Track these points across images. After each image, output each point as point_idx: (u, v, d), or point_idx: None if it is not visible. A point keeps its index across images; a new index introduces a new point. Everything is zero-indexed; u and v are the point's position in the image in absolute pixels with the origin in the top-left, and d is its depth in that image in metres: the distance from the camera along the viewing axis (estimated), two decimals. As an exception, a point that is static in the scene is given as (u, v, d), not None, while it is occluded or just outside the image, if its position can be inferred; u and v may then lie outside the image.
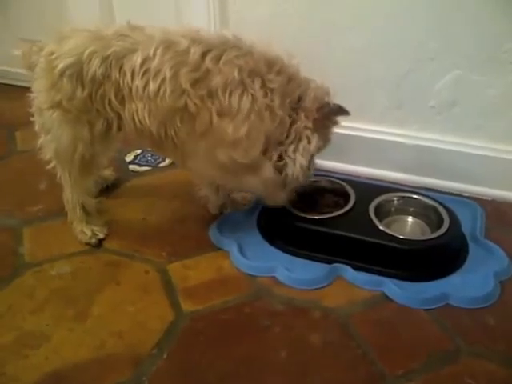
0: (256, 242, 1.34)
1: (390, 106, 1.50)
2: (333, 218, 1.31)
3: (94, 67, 1.16)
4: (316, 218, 1.32)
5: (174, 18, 1.77)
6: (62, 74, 1.18)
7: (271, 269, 1.25)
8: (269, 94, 1.17)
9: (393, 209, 1.36)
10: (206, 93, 1.15)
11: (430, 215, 1.34)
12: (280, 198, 1.30)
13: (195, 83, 1.15)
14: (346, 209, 1.33)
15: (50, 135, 1.27)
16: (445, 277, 1.22)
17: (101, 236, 1.37)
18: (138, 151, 1.76)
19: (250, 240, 1.34)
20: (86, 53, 1.16)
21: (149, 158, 1.74)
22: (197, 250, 1.33)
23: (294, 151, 1.24)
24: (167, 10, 1.79)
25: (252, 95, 1.15)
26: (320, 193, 1.44)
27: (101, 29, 1.22)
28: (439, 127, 1.47)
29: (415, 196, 1.37)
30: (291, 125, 1.23)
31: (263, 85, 1.17)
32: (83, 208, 1.37)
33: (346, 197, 1.38)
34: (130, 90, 1.17)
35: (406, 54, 1.42)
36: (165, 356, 1.06)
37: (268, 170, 1.23)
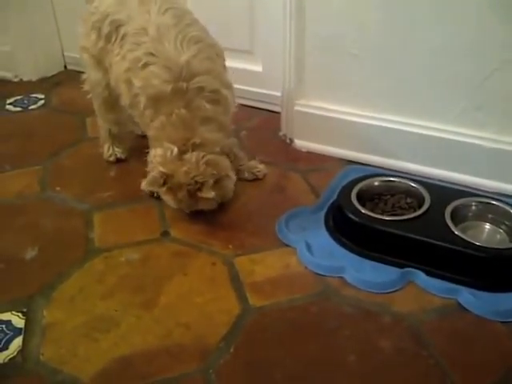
0: (324, 240, 1.32)
1: (470, 107, 1.43)
2: (406, 220, 1.27)
3: (105, 27, 1.39)
4: (387, 219, 1.28)
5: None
6: (92, 27, 1.43)
7: (340, 269, 1.22)
8: None
9: (470, 214, 1.31)
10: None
11: (508, 223, 1.28)
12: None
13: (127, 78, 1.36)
14: (421, 211, 1.28)
15: (86, 73, 1.55)
16: (522, 289, 1.16)
17: (119, 156, 1.65)
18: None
19: (317, 238, 1.32)
20: (106, 14, 1.39)
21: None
22: (264, 245, 1.31)
23: None
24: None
25: None
26: (392, 193, 1.40)
27: None
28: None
29: (494, 202, 1.31)
30: None
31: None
32: (109, 132, 1.62)
33: (420, 199, 1.33)
34: (113, 54, 1.39)
35: (490, 55, 1.36)
36: (231, 350, 1.05)
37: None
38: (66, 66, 2.41)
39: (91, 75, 1.52)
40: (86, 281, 1.23)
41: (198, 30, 1.37)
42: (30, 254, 1.31)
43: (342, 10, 1.50)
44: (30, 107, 2.07)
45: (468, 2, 1.33)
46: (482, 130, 1.44)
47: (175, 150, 1.26)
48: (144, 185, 1.38)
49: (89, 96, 1.60)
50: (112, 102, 1.52)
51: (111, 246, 1.33)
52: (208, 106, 1.30)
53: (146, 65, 1.30)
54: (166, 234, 1.37)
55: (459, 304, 1.13)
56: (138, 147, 1.56)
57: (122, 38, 1.36)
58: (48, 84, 2.27)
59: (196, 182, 1.27)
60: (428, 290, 1.17)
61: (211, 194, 1.28)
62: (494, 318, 1.10)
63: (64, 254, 1.31)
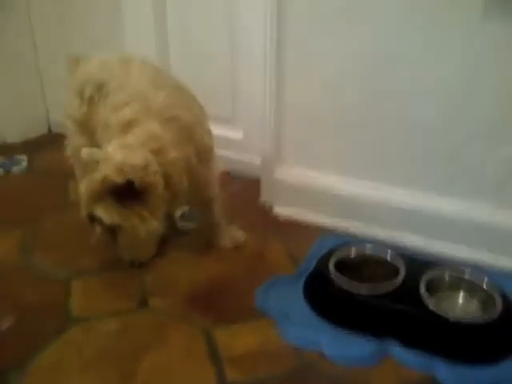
0: (302, 311, 1.33)
1: (443, 178, 1.49)
2: (381, 292, 1.29)
3: (87, 90, 1.43)
4: (365, 289, 1.30)
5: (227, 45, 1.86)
6: (75, 92, 1.48)
7: (318, 342, 1.23)
8: None
9: (444, 284, 1.34)
10: None
11: (481, 293, 1.30)
12: None
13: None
14: (396, 284, 1.31)
15: (68, 139, 1.58)
16: (499, 362, 1.17)
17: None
18: (185, 208, 1.78)
19: (296, 309, 1.33)
20: (87, 78, 1.45)
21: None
22: (243, 316, 1.32)
23: None
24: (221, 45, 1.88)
25: None
26: (369, 263, 1.42)
27: (107, 59, 1.48)
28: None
29: (467, 272, 1.34)
30: None
31: None
32: None
33: (395, 269, 1.36)
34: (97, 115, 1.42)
35: (458, 129, 1.43)
36: (209, 428, 1.04)
37: None
38: (50, 129, 2.44)
39: (74, 141, 1.55)
40: (63, 353, 1.22)
41: (176, 81, 1.44)
42: (6, 323, 1.30)
43: (320, 83, 1.58)
44: (13, 169, 2.09)
45: (439, 77, 1.41)
46: (460, 198, 1.49)
47: None
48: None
49: (70, 161, 1.63)
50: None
51: (90, 315, 1.33)
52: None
53: (125, 104, 1.32)
54: (145, 303, 1.37)
55: (436, 379, 1.14)
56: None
57: (106, 96, 1.39)
58: (31, 146, 2.30)
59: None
60: (405, 363, 1.18)
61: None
62: (470, 392, 1.12)
63: (41, 323, 1.31)
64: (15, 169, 2.10)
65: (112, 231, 1.25)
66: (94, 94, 1.43)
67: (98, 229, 1.26)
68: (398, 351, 1.20)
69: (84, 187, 1.22)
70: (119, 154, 1.20)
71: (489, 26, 1.31)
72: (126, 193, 1.19)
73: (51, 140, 2.33)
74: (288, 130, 1.69)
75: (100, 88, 1.42)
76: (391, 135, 1.53)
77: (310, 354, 1.21)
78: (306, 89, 1.61)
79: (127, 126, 1.27)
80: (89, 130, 1.48)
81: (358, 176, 1.62)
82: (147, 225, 1.23)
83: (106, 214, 1.20)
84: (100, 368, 1.18)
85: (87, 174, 1.23)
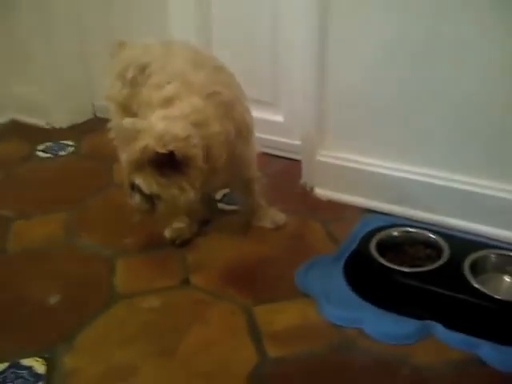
0: (343, 291, 1.32)
1: (489, 159, 1.44)
2: (425, 271, 1.27)
3: (129, 73, 1.45)
4: (406, 270, 1.28)
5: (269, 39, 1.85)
6: (117, 75, 1.50)
7: (358, 320, 1.22)
8: None
9: (489, 266, 1.30)
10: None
11: (529, 276, 1.27)
12: None
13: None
14: (440, 263, 1.28)
15: (112, 120, 1.58)
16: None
17: None
18: (226, 190, 1.80)
19: (336, 289, 1.32)
20: (129, 61, 1.47)
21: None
22: (283, 295, 1.32)
23: None
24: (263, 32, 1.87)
25: None
26: (411, 244, 1.40)
27: (149, 43, 1.50)
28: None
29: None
30: None
31: None
32: None
33: (439, 250, 1.34)
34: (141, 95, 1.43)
35: (509, 109, 1.38)
36: (249, 401, 1.05)
37: None
38: (95, 114, 2.50)
39: (117, 122, 1.55)
40: (107, 328, 1.25)
41: (216, 61, 1.45)
42: (54, 299, 1.34)
43: (363, 65, 1.55)
44: (60, 153, 2.15)
45: (487, 59, 1.37)
46: (503, 181, 1.44)
47: None
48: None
49: (114, 143, 1.64)
50: None
51: (133, 292, 1.36)
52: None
53: (167, 83, 1.34)
54: (186, 281, 1.39)
55: (479, 358, 1.12)
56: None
57: (148, 77, 1.41)
58: (78, 131, 2.36)
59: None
60: (447, 343, 1.16)
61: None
62: (515, 373, 1.09)
63: (87, 299, 1.34)
64: (62, 153, 2.16)
65: (151, 201, 1.26)
66: (136, 76, 1.45)
67: (137, 198, 1.27)
68: (440, 330, 1.18)
69: (126, 156, 1.24)
70: (161, 124, 1.21)
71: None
72: (166, 163, 1.20)
73: (96, 125, 2.37)
74: (329, 113, 1.67)
75: (142, 70, 1.43)
76: (432, 120, 1.49)
77: (350, 332, 1.20)
78: (348, 74, 1.59)
79: (169, 101, 1.29)
80: (131, 112, 1.49)
81: (400, 160, 1.58)
82: (186, 195, 1.23)
83: (145, 183, 1.22)
84: (142, 343, 1.20)
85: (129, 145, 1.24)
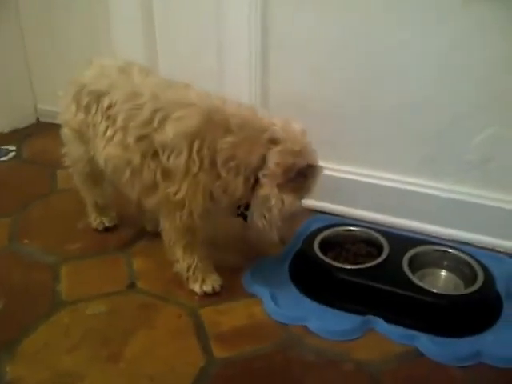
0: (288, 290, 1.35)
1: (425, 159, 1.51)
2: (366, 268, 1.31)
3: (84, 99, 1.35)
4: (348, 267, 1.32)
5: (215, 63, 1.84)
6: (72, 98, 1.39)
7: (303, 318, 1.25)
8: (206, 157, 1.19)
9: (426, 262, 1.36)
10: (151, 152, 1.23)
11: (463, 270, 1.33)
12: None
13: (139, 140, 1.24)
14: (380, 260, 1.33)
15: (66, 147, 1.49)
16: (478, 334, 1.20)
17: (107, 225, 1.60)
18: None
19: (282, 288, 1.35)
20: (84, 84, 1.36)
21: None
22: (230, 296, 1.34)
23: (265, 215, 1.24)
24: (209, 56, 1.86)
25: (186, 159, 1.19)
26: (353, 242, 1.45)
27: (108, 65, 1.38)
28: (476, 182, 1.47)
29: (449, 250, 1.36)
30: (254, 188, 1.23)
31: (201, 148, 1.19)
32: (95, 204, 1.58)
33: (379, 247, 1.38)
34: (96, 127, 1.33)
35: (443, 110, 1.44)
36: (195, 403, 1.06)
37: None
38: (38, 118, 2.45)
39: (72, 150, 1.47)
40: (51, 335, 1.23)
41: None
42: (-4, 308, 1.32)
43: (304, 70, 1.58)
44: (1, 159, 2.10)
45: (424, 61, 1.42)
46: (437, 180, 1.51)
47: None
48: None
49: (70, 170, 1.55)
50: (96, 176, 1.47)
51: (78, 298, 1.34)
52: None
53: (165, 117, 1.22)
54: (132, 285, 1.39)
55: (418, 350, 1.17)
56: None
57: (108, 108, 1.29)
58: (20, 136, 2.30)
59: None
60: (388, 336, 1.21)
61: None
62: (451, 363, 1.14)
63: (30, 307, 1.32)
64: (4, 158, 2.10)
65: None
66: (90, 104, 1.34)
67: None
68: (381, 325, 1.22)
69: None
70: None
71: (472, 8, 1.32)
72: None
73: (39, 129, 2.34)
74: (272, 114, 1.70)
75: (99, 98, 1.32)
76: (375, 121, 1.54)
77: (296, 330, 1.23)
78: (290, 76, 1.62)
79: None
80: (85, 140, 1.40)
81: (341, 160, 1.62)
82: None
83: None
84: (87, 349, 1.19)
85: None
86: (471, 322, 1.22)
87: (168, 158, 1.21)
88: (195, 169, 1.19)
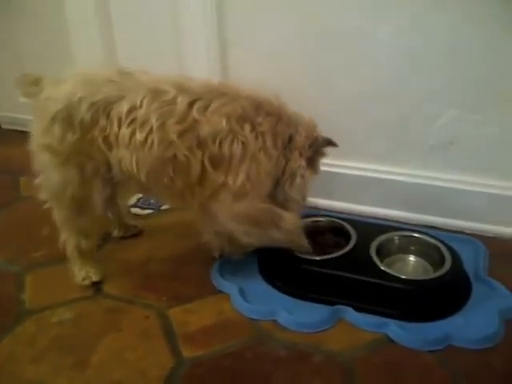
0: (257, 284, 1.34)
1: (390, 146, 1.51)
2: (333, 258, 1.30)
3: (82, 112, 1.19)
4: (317, 259, 1.31)
5: (175, 62, 1.82)
6: (53, 118, 1.21)
7: (272, 312, 1.23)
8: (259, 137, 1.21)
9: (394, 248, 1.36)
10: (195, 143, 1.18)
11: (431, 254, 1.33)
12: (305, 244, 1.31)
13: (183, 134, 1.18)
14: (347, 249, 1.32)
15: (44, 176, 1.29)
16: (448, 317, 1.20)
17: (95, 279, 1.37)
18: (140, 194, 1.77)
19: (251, 282, 1.34)
20: (76, 98, 1.20)
21: (151, 201, 1.75)
22: (198, 294, 1.32)
23: (290, 190, 1.29)
24: (169, 55, 1.84)
25: (242, 142, 1.19)
26: (320, 233, 1.44)
27: (94, 73, 1.25)
28: (439, 165, 1.47)
29: (416, 234, 1.36)
30: (286, 164, 1.28)
31: (253, 129, 1.20)
32: (78, 249, 1.36)
33: (347, 236, 1.38)
34: (117, 137, 1.20)
35: (405, 97, 1.45)
36: (165, 405, 1.04)
37: (289, 220, 1.27)
38: (0, 126, 2.39)
39: (54, 178, 1.26)
40: (16, 345, 1.20)
41: None
42: (-42, 321, 1.28)
43: (265, 55, 1.57)
44: (-38, 168, 2.05)
45: (386, 52, 1.43)
46: (403, 166, 1.51)
47: None
48: None
49: (46, 205, 1.33)
50: (84, 201, 1.30)
51: (43, 307, 1.31)
52: None
53: (205, 107, 1.19)
54: (99, 290, 1.36)
55: (388, 337, 1.17)
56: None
57: (130, 112, 1.18)
58: (-19, 144, 2.25)
59: None
60: (358, 325, 1.20)
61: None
62: (421, 347, 1.13)
63: (-6, 318, 1.29)
64: (-35, 168, 2.05)
65: None
66: (98, 118, 1.20)
67: None
68: (350, 314, 1.21)
69: None
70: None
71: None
72: None
73: (2, 137, 2.29)
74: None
75: (108, 108, 1.19)
76: (337, 110, 1.53)
77: (266, 325, 1.22)
78: (251, 62, 1.60)
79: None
80: (78, 161, 1.25)
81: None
82: None
83: None
84: (53, 357, 1.16)
85: None
86: (440, 305, 1.22)
87: (220, 145, 1.18)
88: (254, 150, 1.20)
